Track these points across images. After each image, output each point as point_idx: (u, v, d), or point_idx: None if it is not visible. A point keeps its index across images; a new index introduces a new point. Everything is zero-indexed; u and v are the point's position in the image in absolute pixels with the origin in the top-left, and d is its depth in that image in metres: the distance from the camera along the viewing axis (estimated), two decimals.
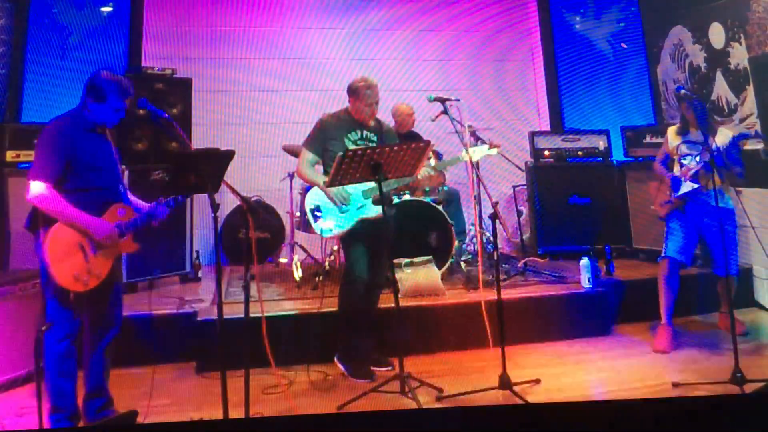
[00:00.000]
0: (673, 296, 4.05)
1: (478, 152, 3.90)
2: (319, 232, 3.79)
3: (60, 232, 2.84)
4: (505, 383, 3.34)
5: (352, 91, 3.78)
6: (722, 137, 4.01)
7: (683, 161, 4.11)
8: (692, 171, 4.01)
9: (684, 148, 4.10)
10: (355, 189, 3.69)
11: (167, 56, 5.54)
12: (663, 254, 4.10)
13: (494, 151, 3.98)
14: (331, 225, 3.72)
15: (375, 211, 3.67)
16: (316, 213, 3.76)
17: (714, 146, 3.81)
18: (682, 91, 3.93)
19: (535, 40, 6.52)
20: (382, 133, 3.85)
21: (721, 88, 5.31)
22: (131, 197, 3.13)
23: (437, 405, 3.29)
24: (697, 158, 4.03)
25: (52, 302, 2.91)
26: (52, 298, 2.90)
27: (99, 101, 2.95)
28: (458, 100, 4.05)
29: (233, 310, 3.49)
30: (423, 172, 3.70)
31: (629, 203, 5.54)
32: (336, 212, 3.72)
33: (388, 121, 5.05)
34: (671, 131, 4.24)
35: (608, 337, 4.31)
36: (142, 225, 3.01)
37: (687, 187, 4.01)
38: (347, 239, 3.75)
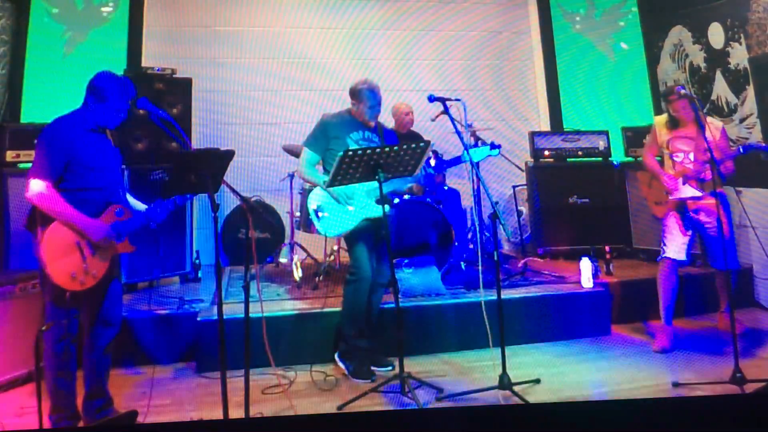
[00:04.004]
0: (673, 296, 4.04)
1: (479, 154, 3.90)
2: (322, 233, 3.79)
3: (57, 231, 2.84)
4: (505, 383, 3.34)
5: (354, 94, 3.81)
6: (712, 131, 3.87)
7: (676, 158, 4.06)
8: (691, 173, 3.97)
9: (677, 145, 4.05)
10: (358, 188, 3.69)
11: (167, 56, 5.54)
12: (661, 255, 4.09)
13: (495, 152, 3.99)
14: (334, 225, 3.72)
15: (378, 211, 3.68)
16: (319, 213, 3.76)
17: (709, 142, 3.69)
18: (683, 91, 3.90)
19: (535, 40, 6.52)
20: (383, 135, 3.87)
21: (721, 88, 5.31)
22: (130, 199, 3.14)
23: (437, 405, 3.29)
24: (691, 155, 3.99)
25: (49, 302, 2.92)
26: (50, 297, 2.91)
27: (100, 102, 2.95)
28: (458, 100, 4.06)
29: (233, 310, 3.49)
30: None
31: (629, 203, 5.55)
32: (339, 212, 3.72)
33: (388, 121, 5.06)
34: (660, 124, 4.15)
35: (608, 337, 4.31)
36: (139, 226, 3.02)
37: (688, 192, 3.98)
38: (352, 238, 3.76)
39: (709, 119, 3.98)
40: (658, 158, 4.19)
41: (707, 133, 3.67)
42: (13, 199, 4.31)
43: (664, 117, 4.16)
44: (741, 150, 3.80)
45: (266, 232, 5.56)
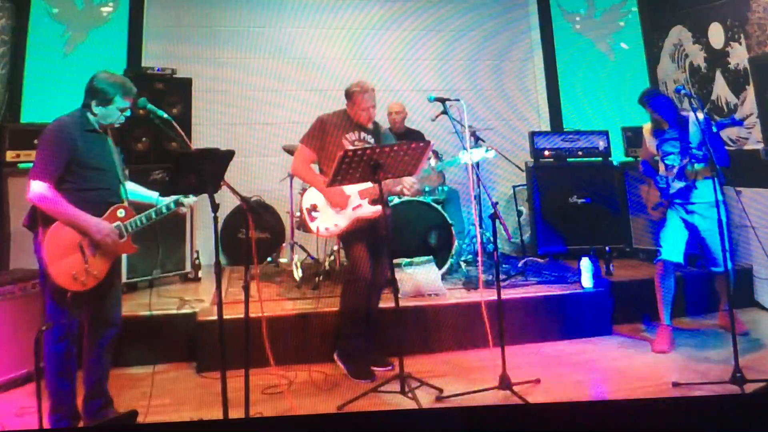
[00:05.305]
0: (671, 297, 4.04)
1: (476, 154, 3.91)
2: (314, 231, 3.80)
3: (59, 231, 2.85)
4: (505, 383, 3.34)
5: (348, 96, 3.85)
6: (693, 126, 3.95)
7: (667, 161, 4.10)
8: (677, 169, 4.00)
9: (665, 148, 4.09)
10: (352, 189, 3.70)
11: (167, 56, 5.54)
12: (658, 256, 4.09)
13: (491, 153, 3.99)
14: (328, 224, 3.73)
15: (372, 211, 3.68)
16: (313, 212, 3.77)
17: (691, 137, 3.90)
18: (682, 91, 3.92)
19: (535, 40, 6.52)
20: (379, 136, 3.89)
21: (721, 88, 5.31)
22: (137, 188, 3.14)
23: (437, 405, 3.29)
24: (678, 157, 4.01)
25: (50, 302, 2.91)
26: (50, 297, 2.91)
27: (105, 104, 2.95)
28: (458, 100, 4.06)
29: (233, 310, 3.48)
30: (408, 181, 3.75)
31: (629, 203, 5.54)
32: (332, 211, 3.72)
33: (385, 122, 5.06)
34: (647, 132, 4.23)
35: (608, 337, 4.31)
36: (141, 226, 3.02)
37: (676, 185, 4.01)
38: (349, 239, 3.76)
39: (690, 114, 3.96)
40: (656, 159, 4.21)
41: (690, 127, 3.84)
42: (13, 199, 4.31)
43: (649, 124, 4.22)
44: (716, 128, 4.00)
45: (266, 232, 5.56)
